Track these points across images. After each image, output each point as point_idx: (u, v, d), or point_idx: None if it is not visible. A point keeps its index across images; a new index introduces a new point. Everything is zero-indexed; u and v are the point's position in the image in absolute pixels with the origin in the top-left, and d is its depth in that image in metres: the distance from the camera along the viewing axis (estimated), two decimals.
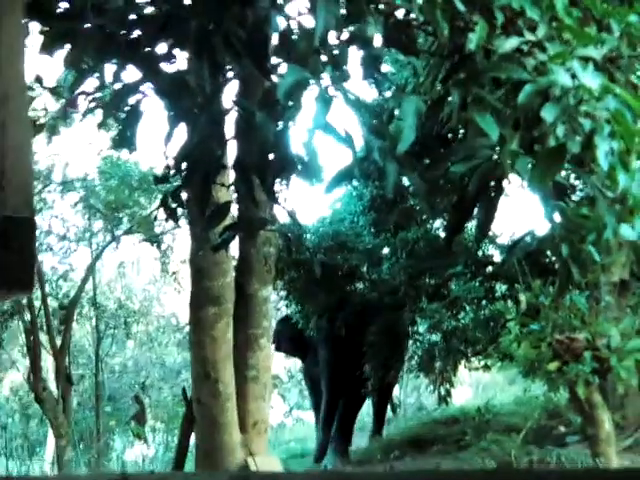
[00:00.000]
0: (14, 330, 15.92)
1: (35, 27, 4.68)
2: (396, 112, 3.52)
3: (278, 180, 3.93)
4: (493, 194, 3.39)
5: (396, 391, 18.60)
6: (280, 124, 3.54)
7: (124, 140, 4.45)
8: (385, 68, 10.52)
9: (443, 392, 12.97)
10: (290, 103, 3.44)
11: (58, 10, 4.47)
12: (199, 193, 3.85)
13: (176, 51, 4.07)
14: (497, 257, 12.25)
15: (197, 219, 5.19)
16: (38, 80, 5.42)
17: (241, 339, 5.89)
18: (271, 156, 3.68)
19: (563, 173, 3.66)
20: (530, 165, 3.10)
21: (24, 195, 1.00)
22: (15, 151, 0.99)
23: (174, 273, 15.40)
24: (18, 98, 1.02)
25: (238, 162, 3.74)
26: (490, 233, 11.59)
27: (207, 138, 3.80)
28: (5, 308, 15.04)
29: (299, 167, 3.58)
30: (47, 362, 15.20)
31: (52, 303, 14.85)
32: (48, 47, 4.38)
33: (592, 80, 2.79)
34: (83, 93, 5.85)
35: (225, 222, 4.35)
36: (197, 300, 5.71)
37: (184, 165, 3.97)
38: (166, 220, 11.02)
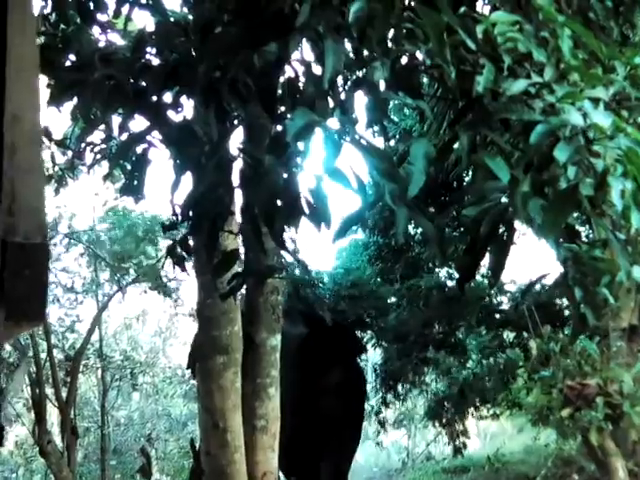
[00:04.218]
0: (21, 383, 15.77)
1: (42, 80, 4.74)
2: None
3: (286, 227, 3.90)
4: (505, 238, 3.36)
5: (404, 441, 18.35)
6: (288, 169, 3.53)
7: (131, 189, 4.45)
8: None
9: (458, 444, 12.77)
10: (298, 148, 3.44)
11: (66, 63, 4.52)
12: (206, 241, 3.83)
13: (183, 99, 4.10)
14: (505, 305, 12.16)
15: (204, 267, 5.15)
16: (46, 133, 5.45)
17: (249, 388, 5.80)
18: (279, 202, 3.66)
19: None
20: (541, 208, 3.07)
21: (36, 220, 0.95)
22: (26, 174, 0.95)
23: (190, 315, 15.28)
24: (30, 119, 0.98)
25: (245, 209, 3.72)
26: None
27: (214, 185, 3.79)
28: (10, 360, 14.95)
29: (307, 213, 3.55)
30: (52, 415, 15.03)
31: (58, 355, 14.75)
32: (56, 99, 4.41)
33: (604, 119, 2.77)
34: (90, 144, 5.89)
35: (233, 270, 4.32)
36: (204, 349, 5.64)
37: (191, 213, 3.96)
38: (173, 268, 10.96)
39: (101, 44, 4.65)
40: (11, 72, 0.93)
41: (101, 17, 4.70)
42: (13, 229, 0.92)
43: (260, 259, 4.60)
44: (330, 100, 3.32)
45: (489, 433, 20.71)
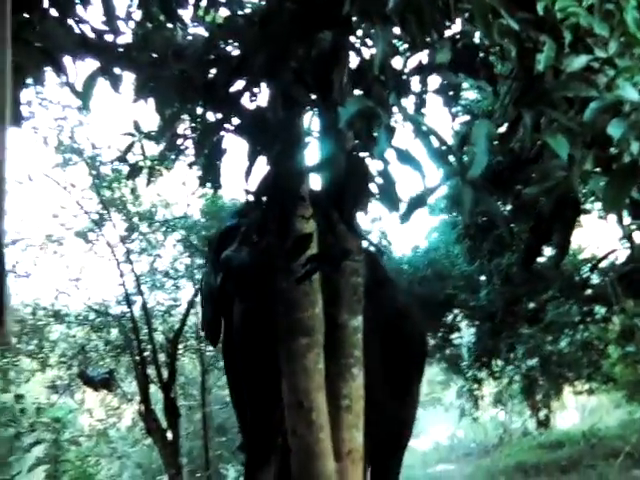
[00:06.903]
0: (130, 364, 16.36)
1: (128, 77, 4.93)
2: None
3: (357, 210, 3.95)
4: (570, 215, 3.33)
5: (501, 416, 18.19)
6: (354, 153, 3.58)
7: (208, 178, 4.60)
8: (472, 95, 10.44)
9: (542, 417, 12.62)
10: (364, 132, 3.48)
11: (147, 60, 4.69)
12: (277, 226, 3.93)
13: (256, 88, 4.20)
14: (596, 279, 11.88)
15: (280, 251, 5.26)
16: (136, 126, 5.69)
17: (333, 369, 5.87)
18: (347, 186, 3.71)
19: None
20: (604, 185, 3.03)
21: None
22: None
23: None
24: None
25: (313, 194, 3.81)
26: (588, 255, 11.30)
27: (284, 171, 3.89)
28: (117, 343, 15.55)
29: (377, 195, 3.60)
30: (158, 394, 15.57)
31: (159, 338, 15.23)
32: (138, 94, 4.61)
33: None
34: (175, 135, 6.08)
35: (309, 252, 4.41)
36: (288, 331, 5.76)
37: (264, 198, 4.07)
38: None
39: (189, 38, 4.78)
40: None
41: (183, 13, 4.83)
42: None
43: (334, 243, 4.67)
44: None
45: (588, 408, 20.28)
